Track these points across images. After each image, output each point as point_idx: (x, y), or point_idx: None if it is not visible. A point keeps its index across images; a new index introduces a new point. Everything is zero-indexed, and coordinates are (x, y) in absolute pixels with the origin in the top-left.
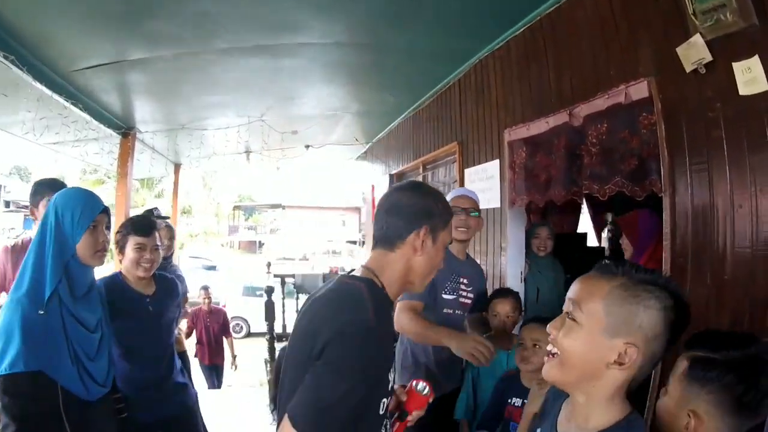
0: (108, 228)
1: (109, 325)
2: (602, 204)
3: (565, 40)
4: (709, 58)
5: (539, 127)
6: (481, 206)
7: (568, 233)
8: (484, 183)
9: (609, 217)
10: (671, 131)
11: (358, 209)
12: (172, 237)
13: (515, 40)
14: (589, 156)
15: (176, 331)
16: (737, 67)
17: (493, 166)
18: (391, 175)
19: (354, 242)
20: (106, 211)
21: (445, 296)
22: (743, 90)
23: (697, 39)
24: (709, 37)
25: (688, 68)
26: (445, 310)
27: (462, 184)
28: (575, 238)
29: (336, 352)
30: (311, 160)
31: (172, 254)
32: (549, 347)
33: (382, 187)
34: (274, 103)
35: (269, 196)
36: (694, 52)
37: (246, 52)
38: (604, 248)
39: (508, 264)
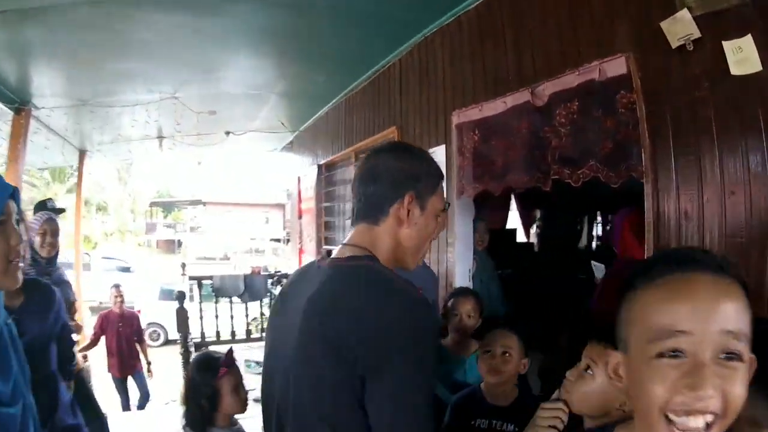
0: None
1: None
2: (530, 201)
3: (527, 13)
4: (697, 34)
5: (495, 107)
6: None
7: (497, 229)
8: None
9: (538, 213)
10: (653, 111)
11: (282, 206)
12: (55, 232)
13: (468, 15)
14: (557, 138)
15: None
16: (727, 46)
17: (438, 153)
18: (319, 166)
19: (278, 240)
20: (14, 196)
21: None
22: (735, 70)
23: (684, 14)
24: (697, 12)
25: (674, 44)
26: None
27: None
28: (505, 234)
29: (402, 361)
30: (232, 149)
31: (56, 254)
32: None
33: (310, 179)
34: (190, 77)
35: (189, 191)
36: (680, 27)
37: (162, 5)
38: (533, 244)
39: (456, 261)
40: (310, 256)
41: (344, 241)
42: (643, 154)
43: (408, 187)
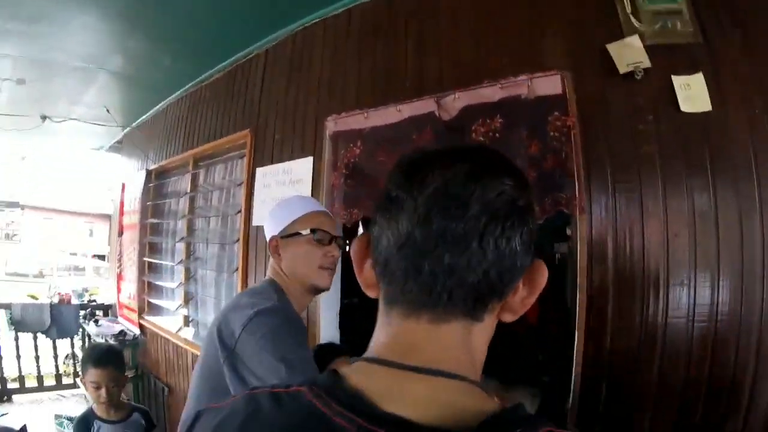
0: None
1: None
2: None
3: (436, 13)
4: (647, 63)
5: (386, 116)
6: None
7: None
8: (287, 189)
9: None
10: (590, 139)
11: (109, 217)
12: None
13: (361, 7)
14: None
15: None
16: (677, 81)
17: (302, 166)
18: (148, 171)
19: (102, 257)
20: None
21: None
22: (685, 107)
23: (634, 40)
24: (649, 41)
25: (623, 69)
26: None
27: (250, 188)
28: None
29: None
30: (52, 142)
31: None
32: None
33: (136, 187)
34: None
35: (7, 191)
36: (629, 53)
37: None
38: None
39: (321, 306)
40: (131, 285)
41: (408, 358)
42: (576, 186)
43: (533, 249)
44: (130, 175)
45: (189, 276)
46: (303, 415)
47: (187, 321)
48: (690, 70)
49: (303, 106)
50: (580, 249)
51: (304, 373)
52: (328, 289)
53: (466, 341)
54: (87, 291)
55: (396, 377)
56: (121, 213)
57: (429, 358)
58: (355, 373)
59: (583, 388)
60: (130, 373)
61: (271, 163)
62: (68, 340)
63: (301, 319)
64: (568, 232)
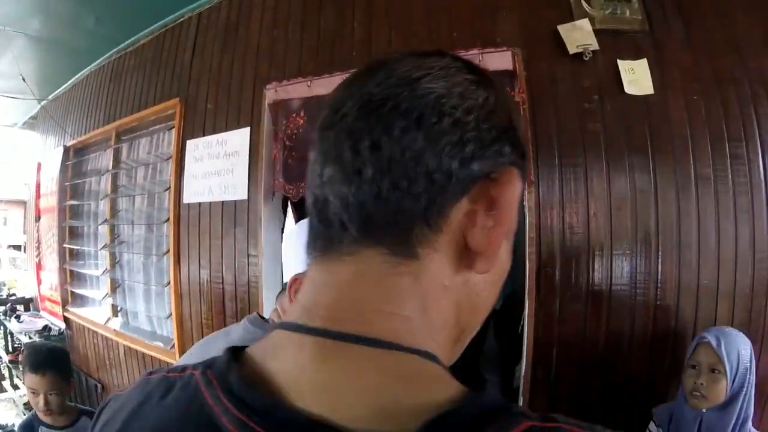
0: None
1: None
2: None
3: None
4: (596, 46)
5: (331, 85)
6: (217, 197)
7: None
8: (222, 162)
9: None
10: (539, 115)
11: (24, 203)
12: None
13: None
14: None
15: None
16: (623, 65)
17: (238, 137)
18: (65, 148)
19: (18, 247)
20: None
21: None
22: (629, 89)
23: (584, 23)
24: (598, 26)
25: (572, 50)
26: None
27: (179, 163)
28: None
29: None
30: None
31: None
32: None
33: (52, 166)
34: None
35: None
36: (579, 35)
37: None
38: None
39: (264, 282)
40: (51, 275)
41: (321, 320)
42: None
43: (504, 156)
44: (47, 153)
45: (114, 262)
46: (185, 414)
47: (115, 311)
48: (635, 56)
49: (239, 74)
50: (528, 220)
51: None
52: None
53: (394, 285)
54: (4, 285)
55: (306, 349)
56: (38, 196)
57: (340, 316)
58: (262, 349)
59: (536, 354)
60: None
61: (203, 134)
62: None
63: None
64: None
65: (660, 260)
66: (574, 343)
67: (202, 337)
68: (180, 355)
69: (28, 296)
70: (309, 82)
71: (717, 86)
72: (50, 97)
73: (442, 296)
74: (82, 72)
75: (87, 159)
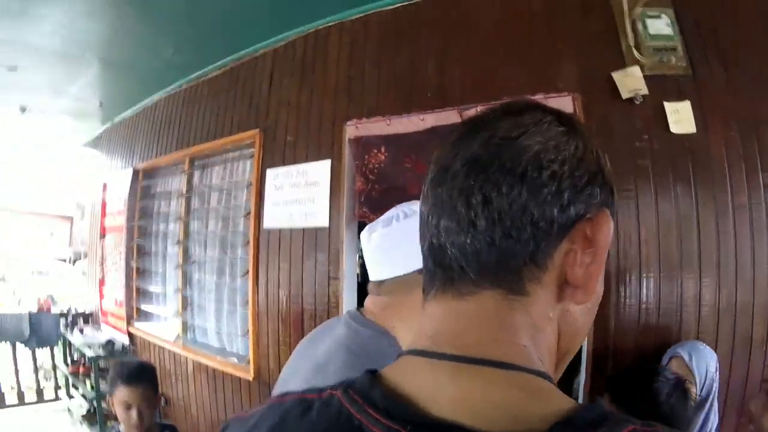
0: None
1: None
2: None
3: (459, 29)
4: (645, 91)
5: (408, 124)
6: (298, 224)
7: None
8: (302, 191)
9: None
10: None
11: (70, 218)
12: None
13: (380, 15)
14: None
15: None
16: (669, 107)
17: (319, 169)
18: (135, 171)
19: (64, 260)
20: None
21: None
22: (674, 129)
23: (635, 70)
24: (648, 72)
25: (625, 95)
26: None
27: (259, 190)
28: None
29: None
30: (24, 134)
31: None
32: None
33: (120, 187)
34: None
35: None
36: (630, 81)
37: None
38: None
39: (344, 302)
40: (114, 290)
41: (446, 347)
42: None
43: (597, 202)
44: (113, 173)
45: (186, 281)
46: (334, 425)
47: (185, 327)
48: (679, 98)
49: (318, 109)
50: None
51: None
52: None
53: (509, 318)
54: (59, 298)
55: (441, 371)
56: (103, 214)
57: (479, 342)
58: (395, 371)
59: (594, 363)
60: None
61: (283, 164)
62: (48, 351)
63: None
64: None
65: (701, 280)
66: (629, 356)
67: (279, 352)
68: (254, 370)
69: (88, 310)
70: (388, 121)
71: (754, 125)
72: (116, 119)
73: (548, 325)
74: (151, 97)
75: (157, 182)
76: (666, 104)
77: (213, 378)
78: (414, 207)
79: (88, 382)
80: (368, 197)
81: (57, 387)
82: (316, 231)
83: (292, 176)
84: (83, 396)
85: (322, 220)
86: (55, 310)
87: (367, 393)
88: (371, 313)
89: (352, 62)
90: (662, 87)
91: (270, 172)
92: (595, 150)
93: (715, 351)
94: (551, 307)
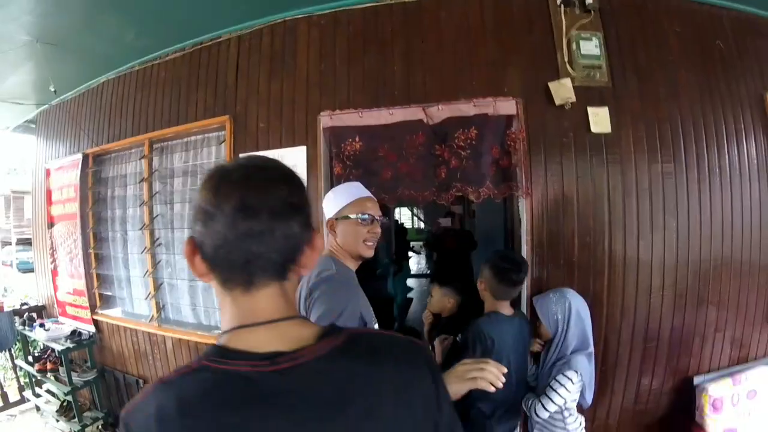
0: None
1: None
2: None
3: (422, 35)
4: (574, 99)
5: (379, 117)
6: None
7: None
8: None
9: None
10: (533, 147)
11: None
12: None
13: (348, 14)
14: (458, 159)
15: None
16: (591, 111)
17: (295, 154)
18: (85, 155)
19: None
20: None
21: (375, 327)
22: (594, 129)
23: (567, 82)
24: (577, 84)
25: (558, 102)
26: None
27: None
28: None
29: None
30: None
31: None
32: None
33: (68, 174)
34: None
35: None
36: (563, 91)
37: None
38: None
39: None
40: (68, 279)
41: (257, 318)
42: (524, 178)
43: (312, 223)
44: (57, 160)
45: (155, 263)
46: (218, 377)
47: (158, 308)
48: (600, 104)
49: (290, 99)
50: (526, 218)
51: (346, 323)
52: (370, 257)
53: (285, 294)
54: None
55: (259, 331)
56: (49, 203)
57: (270, 313)
58: (232, 340)
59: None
60: (90, 375)
61: (257, 149)
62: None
63: (355, 278)
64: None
65: (608, 243)
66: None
67: None
68: None
69: (41, 304)
70: (360, 113)
71: (657, 125)
72: (54, 101)
73: (294, 291)
74: (97, 79)
75: (110, 167)
76: (589, 109)
77: (195, 349)
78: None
79: (57, 378)
80: (347, 180)
81: (21, 388)
82: None
83: None
84: (49, 392)
85: None
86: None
87: (223, 354)
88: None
89: (322, 57)
90: (587, 95)
91: (243, 157)
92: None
93: (623, 294)
94: (296, 282)
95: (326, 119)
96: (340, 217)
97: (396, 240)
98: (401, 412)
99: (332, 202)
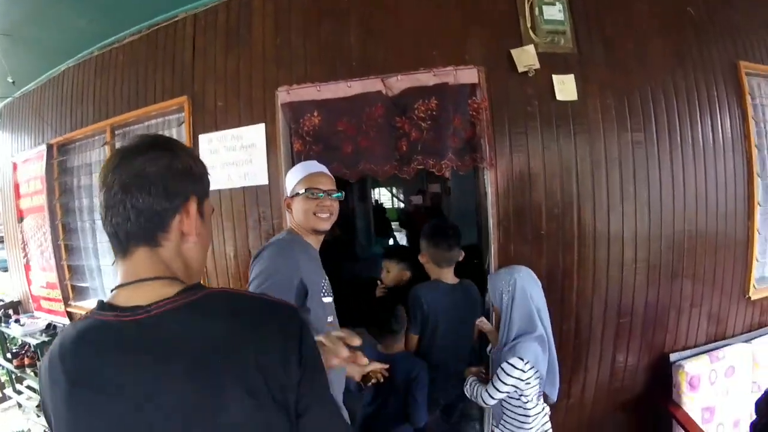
0: None
1: None
2: None
3: (379, 6)
4: (537, 65)
5: (336, 90)
6: (238, 184)
7: None
8: (238, 153)
9: None
10: (496, 116)
11: None
12: None
13: None
14: (418, 131)
15: None
16: (556, 78)
17: (254, 132)
18: (49, 146)
19: None
20: None
21: (325, 299)
22: (560, 96)
23: (530, 48)
24: (540, 50)
25: (521, 69)
26: (329, 319)
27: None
28: None
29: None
30: None
31: None
32: None
33: (33, 166)
34: None
35: None
36: (525, 57)
37: None
38: None
39: None
40: (40, 273)
41: (130, 278)
42: (488, 149)
43: (189, 190)
44: (21, 153)
45: None
46: (90, 324)
47: None
48: (565, 72)
49: (247, 76)
50: (491, 190)
51: (273, 288)
52: (326, 230)
53: (157, 258)
54: None
55: (130, 289)
56: (18, 196)
57: (140, 274)
58: (112, 297)
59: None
60: None
61: (215, 129)
62: None
63: (307, 247)
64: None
65: (576, 216)
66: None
67: None
68: None
69: (15, 300)
70: (318, 87)
71: (626, 94)
72: (16, 94)
73: (179, 255)
74: (58, 67)
75: (75, 156)
76: (554, 76)
77: None
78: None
79: (36, 373)
80: (307, 157)
81: (1, 386)
82: (256, 189)
83: (227, 140)
84: (30, 388)
85: (261, 178)
86: None
87: (101, 308)
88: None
89: (278, 31)
90: (552, 62)
91: (203, 137)
92: (186, 159)
93: (594, 268)
94: (182, 247)
95: (284, 95)
96: (293, 194)
97: (375, 220)
98: (228, 369)
99: (287, 182)
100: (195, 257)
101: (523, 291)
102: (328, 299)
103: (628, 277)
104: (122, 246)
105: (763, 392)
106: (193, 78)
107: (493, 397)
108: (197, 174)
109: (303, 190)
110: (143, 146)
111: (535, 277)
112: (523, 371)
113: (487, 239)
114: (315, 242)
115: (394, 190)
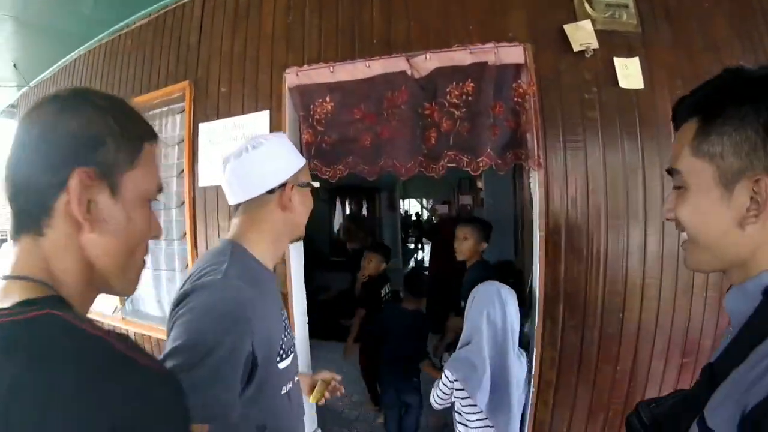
0: None
1: None
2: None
3: None
4: (596, 45)
5: (353, 71)
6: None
7: None
8: (241, 144)
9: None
10: (546, 104)
11: None
12: None
13: None
14: (450, 120)
15: None
16: (618, 62)
17: (258, 120)
18: None
19: None
20: None
21: (282, 365)
22: (623, 83)
23: (587, 24)
24: (599, 27)
25: (576, 48)
26: (287, 386)
27: (192, 146)
28: None
29: None
30: None
31: None
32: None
33: None
34: None
35: None
36: (582, 35)
37: None
38: None
39: (289, 253)
40: None
41: (4, 273)
42: (535, 144)
43: (78, 160)
44: None
45: None
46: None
47: (123, 300)
48: (628, 54)
49: (253, 58)
50: (538, 196)
51: (219, 367)
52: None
53: (35, 250)
54: None
55: (5, 282)
56: None
57: (16, 269)
58: None
59: (546, 307)
60: None
61: (217, 117)
62: None
63: (269, 284)
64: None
65: (646, 230)
66: (577, 300)
67: None
68: None
69: None
70: (331, 68)
71: (696, 82)
72: (33, 83)
73: (66, 255)
74: (70, 55)
75: None
76: (616, 59)
77: (158, 347)
78: (261, 139)
79: None
80: (319, 149)
81: None
82: None
83: (228, 130)
84: None
85: None
86: None
87: None
88: (233, 235)
89: (290, 7)
90: (612, 42)
91: (203, 127)
92: (89, 116)
93: (659, 296)
94: (74, 240)
95: (292, 77)
96: (302, 184)
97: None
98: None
99: (283, 163)
100: (103, 254)
101: (481, 297)
102: (286, 362)
103: (697, 306)
104: (12, 233)
105: None
106: (197, 62)
107: (436, 402)
108: (97, 135)
109: (313, 182)
110: (39, 103)
111: (505, 294)
112: (447, 386)
113: (531, 256)
114: (276, 259)
115: (424, 201)
